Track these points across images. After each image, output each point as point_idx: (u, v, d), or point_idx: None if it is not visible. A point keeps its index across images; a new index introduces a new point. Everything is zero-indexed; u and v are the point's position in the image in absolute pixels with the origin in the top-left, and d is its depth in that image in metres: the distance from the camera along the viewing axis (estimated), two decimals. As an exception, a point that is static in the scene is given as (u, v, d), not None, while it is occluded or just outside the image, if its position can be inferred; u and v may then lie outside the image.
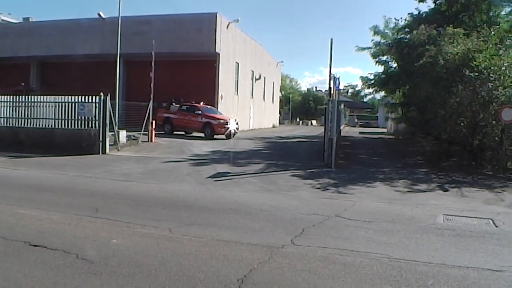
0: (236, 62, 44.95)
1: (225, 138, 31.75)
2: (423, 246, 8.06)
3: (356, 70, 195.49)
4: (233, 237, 8.24)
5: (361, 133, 53.60)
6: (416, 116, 30.50)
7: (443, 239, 8.60)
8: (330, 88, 20.57)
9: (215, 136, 31.92)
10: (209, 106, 35.31)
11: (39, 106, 23.50)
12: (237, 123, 33.94)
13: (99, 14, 37.49)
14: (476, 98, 18.62)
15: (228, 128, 32.02)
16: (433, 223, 9.87)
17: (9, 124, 24.24)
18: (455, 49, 20.35)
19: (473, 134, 19.41)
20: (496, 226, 9.80)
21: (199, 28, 39.19)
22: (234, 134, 32.64)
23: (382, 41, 33.29)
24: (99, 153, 21.23)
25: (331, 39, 20.39)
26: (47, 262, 6.66)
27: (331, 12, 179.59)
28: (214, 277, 6.24)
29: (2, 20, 53.55)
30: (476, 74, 18.63)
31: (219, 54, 39.43)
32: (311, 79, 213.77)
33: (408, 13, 31.13)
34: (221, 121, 32.39)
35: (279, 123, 71.15)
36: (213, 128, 31.87)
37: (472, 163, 19.67)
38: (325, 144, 19.59)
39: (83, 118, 22.14)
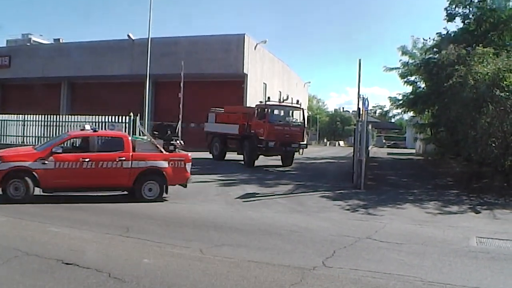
0: (264, 83, 45.07)
1: None
2: (457, 269, 7.94)
3: (383, 90, 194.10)
4: (264, 258, 8.22)
5: (389, 154, 53.04)
6: (445, 137, 30.09)
7: (477, 262, 8.46)
8: (358, 108, 20.43)
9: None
10: None
11: (70, 126, 23.86)
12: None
13: (128, 36, 38.20)
14: (507, 118, 18.35)
15: None
16: (466, 246, 9.73)
17: (41, 143, 24.59)
18: (485, 69, 20.06)
19: (505, 154, 19.03)
20: (531, 249, 9.59)
21: (227, 49, 39.60)
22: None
23: (411, 61, 33.03)
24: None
25: (359, 60, 20.33)
26: (79, 281, 6.74)
27: (355, 33, 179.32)
28: (246, 298, 6.24)
29: (34, 41, 54.96)
30: (507, 94, 18.37)
31: (247, 75, 39.73)
32: (337, 99, 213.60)
33: (437, 33, 30.74)
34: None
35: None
36: None
37: (504, 184, 19.28)
38: (354, 165, 19.44)
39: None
